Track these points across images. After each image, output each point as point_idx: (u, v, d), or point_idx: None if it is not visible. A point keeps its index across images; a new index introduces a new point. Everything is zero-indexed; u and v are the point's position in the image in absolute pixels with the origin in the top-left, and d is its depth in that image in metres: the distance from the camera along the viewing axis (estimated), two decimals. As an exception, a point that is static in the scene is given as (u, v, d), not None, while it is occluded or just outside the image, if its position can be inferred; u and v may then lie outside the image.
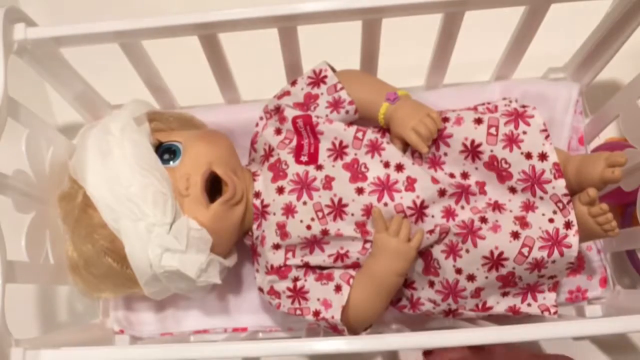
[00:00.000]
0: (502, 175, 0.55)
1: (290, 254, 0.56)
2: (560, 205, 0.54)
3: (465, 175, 0.56)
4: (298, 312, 0.56)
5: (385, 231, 0.53)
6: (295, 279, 0.56)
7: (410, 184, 0.55)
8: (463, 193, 0.56)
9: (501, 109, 0.57)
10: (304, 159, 0.57)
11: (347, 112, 0.58)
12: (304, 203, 0.55)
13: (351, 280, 0.55)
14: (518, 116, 0.55)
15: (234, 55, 0.62)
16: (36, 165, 0.55)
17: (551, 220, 0.53)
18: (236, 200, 0.55)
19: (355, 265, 0.57)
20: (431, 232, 0.54)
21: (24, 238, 0.53)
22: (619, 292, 0.64)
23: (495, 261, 0.53)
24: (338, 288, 0.55)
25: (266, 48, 0.61)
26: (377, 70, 0.63)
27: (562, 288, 0.64)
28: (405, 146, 0.57)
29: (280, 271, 0.56)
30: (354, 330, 0.56)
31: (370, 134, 0.57)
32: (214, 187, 0.56)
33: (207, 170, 0.55)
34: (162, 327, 0.66)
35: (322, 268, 0.57)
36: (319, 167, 0.56)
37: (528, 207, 0.54)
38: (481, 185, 0.56)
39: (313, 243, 0.56)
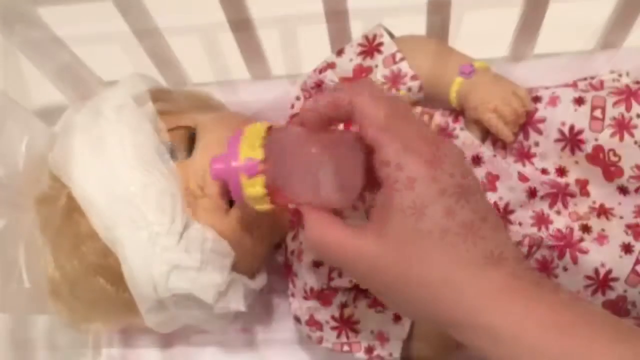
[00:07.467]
0: (610, 170, 0.48)
1: (335, 273, 0.51)
2: (691, 210, 0.48)
3: (562, 171, 0.50)
4: (346, 348, 0.52)
5: None
6: (342, 306, 0.51)
7: (491, 181, 0.50)
8: (559, 194, 0.50)
9: (608, 85, 0.51)
10: None
11: (409, 89, 0.53)
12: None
13: (415, 307, 0.50)
14: (630, 95, 0.48)
15: (262, 16, 0.56)
16: (6, 159, 0.52)
17: (676, 230, 0.48)
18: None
19: (421, 288, 0.50)
20: (519, 244, 0.48)
21: (-9, 255, 0.48)
22: None
23: (601, 282, 0.47)
24: (397, 317, 0.50)
25: (304, 7, 0.55)
26: (447, 36, 0.57)
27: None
28: (485, 133, 0.52)
29: (323, 295, 0.51)
30: (418, 373, 0.52)
31: (439, 118, 0.52)
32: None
33: (227, 165, 0.50)
34: (169, 369, 0.61)
35: (376, 291, 0.53)
36: None
37: (645, 212, 0.49)
38: (583, 183, 0.50)
39: (366, 258, 0.51)
